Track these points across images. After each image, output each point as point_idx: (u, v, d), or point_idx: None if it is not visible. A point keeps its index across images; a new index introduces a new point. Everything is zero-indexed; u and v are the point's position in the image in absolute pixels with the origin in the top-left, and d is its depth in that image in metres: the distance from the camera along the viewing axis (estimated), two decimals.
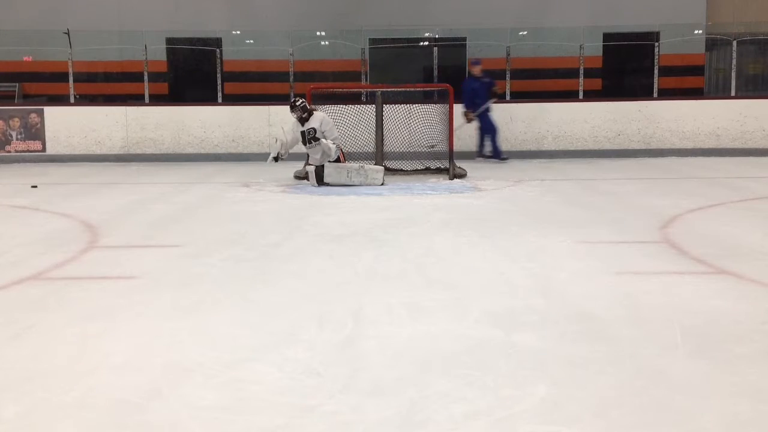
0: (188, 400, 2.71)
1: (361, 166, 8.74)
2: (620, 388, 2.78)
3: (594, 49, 13.64)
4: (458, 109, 10.14)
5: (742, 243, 5.32)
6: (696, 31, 14.52)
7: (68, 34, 13.28)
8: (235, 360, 3.10)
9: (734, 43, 12.34)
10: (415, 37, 14.75)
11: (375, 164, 9.23)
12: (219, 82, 12.68)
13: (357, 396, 2.73)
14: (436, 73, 12.89)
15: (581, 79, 12.38)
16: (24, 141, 11.90)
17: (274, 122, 11.73)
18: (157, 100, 13.05)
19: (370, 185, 8.56)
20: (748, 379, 2.86)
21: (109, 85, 14.57)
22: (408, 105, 10.16)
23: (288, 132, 9.05)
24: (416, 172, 9.64)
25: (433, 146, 9.87)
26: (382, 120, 9.63)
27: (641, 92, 13.24)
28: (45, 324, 3.63)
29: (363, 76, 12.76)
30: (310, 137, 8.86)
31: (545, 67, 13.97)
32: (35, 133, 11.89)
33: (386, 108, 9.72)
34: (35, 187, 8.79)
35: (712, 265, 4.69)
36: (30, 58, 14.53)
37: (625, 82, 14.70)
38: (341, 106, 9.93)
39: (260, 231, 5.98)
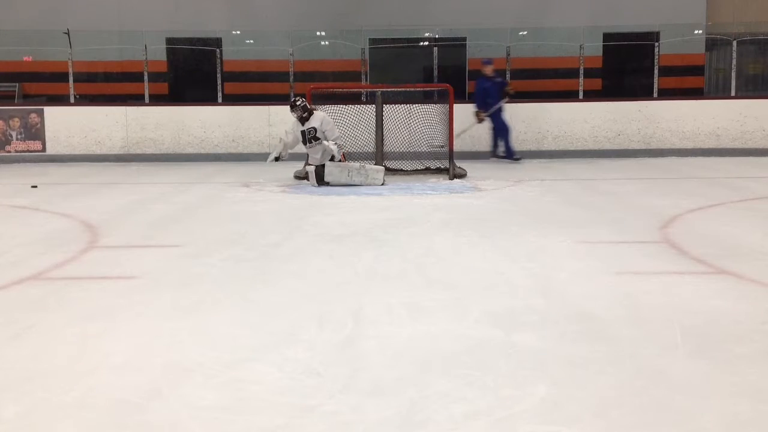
0: (188, 400, 2.71)
1: (362, 166, 8.74)
2: (620, 388, 2.78)
3: (594, 49, 13.64)
4: (458, 109, 10.13)
5: (742, 243, 5.32)
6: (696, 31, 14.52)
7: (68, 34, 13.28)
8: (235, 360, 3.10)
9: (734, 43, 12.34)
10: (415, 37, 14.75)
11: (375, 164, 9.23)
12: (219, 82, 12.68)
13: (357, 396, 2.73)
14: (436, 73, 12.89)
15: (581, 79, 12.38)
16: (24, 141, 11.90)
17: (274, 122, 11.74)
18: (157, 100, 13.05)
19: (370, 185, 8.56)
20: (748, 379, 2.86)
21: (109, 85, 14.56)
22: (408, 105, 10.16)
23: (289, 132, 9.05)
24: (416, 172, 9.64)
25: (442, 146, 9.88)
26: (382, 120, 9.63)
27: (641, 92, 13.24)
28: (45, 324, 3.63)
29: (363, 76, 12.76)
30: (310, 137, 8.85)
31: (545, 67, 13.96)
32: (35, 133, 11.89)
33: (386, 108, 9.71)
34: (35, 187, 8.79)
35: (712, 265, 4.69)
36: (30, 58, 14.53)
37: (625, 82, 14.70)
38: (341, 106, 9.93)
39: (260, 231, 5.98)
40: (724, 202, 7.21)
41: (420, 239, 5.57)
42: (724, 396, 2.71)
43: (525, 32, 14.49)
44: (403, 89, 10.98)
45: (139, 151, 11.91)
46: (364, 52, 12.90)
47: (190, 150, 11.92)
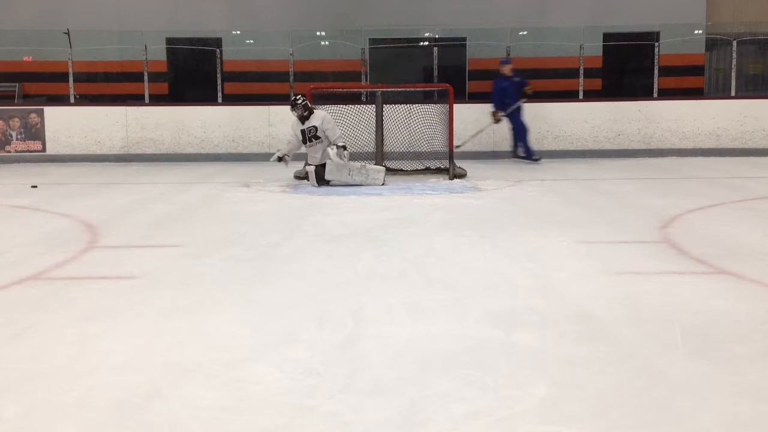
0: (188, 400, 2.71)
1: (363, 166, 8.74)
2: (620, 388, 2.78)
3: (594, 49, 13.64)
4: (458, 109, 10.12)
5: (742, 243, 5.32)
6: (696, 31, 14.52)
7: (68, 34, 13.28)
8: (235, 360, 3.10)
9: (734, 43, 12.35)
10: (415, 37, 14.75)
11: (375, 164, 9.23)
12: (219, 82, 12.68)
13: (357, 396, 2.73)
14: (436, 73, 12.88)
15: (581, 79, 12.38)
16: (24, 141, 11.90)
17: (274, 122, 11.74)
18: (157, 100, 13.05)
19: (371, 185, 8.56)
20: (748, 379, 2.86)
21: (109, 85, 14.56)
22: (408, 105, 10.16)
23: (292, 138, 9.03)
24: (416, 172, 9.64)
25: (458, 146, 9.90)
26: (382, 120, 9.63)
27: (641, 92, 13.25)
28: (45, 324, 3.63)
29: (363, 76, 12.76)
30: (310, 135, 8.84)
31: (545, 67, 13.95)
32: (35, 133, 11.89)
33: (386, 108, 9.72)
34: (35, 187, 8.79)
35: (712, 265, 4.69)
36: (30, 58, 14.53)
37: (625, 82, 14.70)
38: (341, 106, 9.93)
39: (260, 231, 5.98)
40: (724, 202, 7.21)
41: (420, 239, 5.57)
42: (724, 396, 2.71)
43: (525, 32, 14.49)
44: (403, 89, 10.96)
45: (139, 151, 11.91)
46: (364, 52, 12.90)
47: (190, 150, 11.92)
